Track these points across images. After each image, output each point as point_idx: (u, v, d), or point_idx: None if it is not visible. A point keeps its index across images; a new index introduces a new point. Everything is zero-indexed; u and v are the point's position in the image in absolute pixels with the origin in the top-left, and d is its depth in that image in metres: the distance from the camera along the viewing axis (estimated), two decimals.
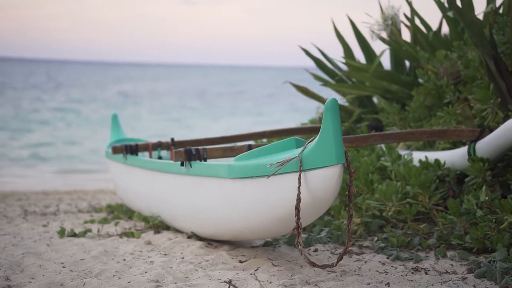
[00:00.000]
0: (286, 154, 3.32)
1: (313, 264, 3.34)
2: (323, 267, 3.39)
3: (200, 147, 4.15)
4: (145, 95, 43.11)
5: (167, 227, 4.92)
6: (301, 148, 3.21)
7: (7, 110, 28.54)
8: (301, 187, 3.17)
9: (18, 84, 49.25)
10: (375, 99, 6.49)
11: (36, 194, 8.60)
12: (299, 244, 3.24)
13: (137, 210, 5.42)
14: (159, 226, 4.94)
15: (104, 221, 5.34)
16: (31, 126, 23.04)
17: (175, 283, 3.38)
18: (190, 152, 4.09)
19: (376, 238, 4.28)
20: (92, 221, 5.42)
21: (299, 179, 3.16)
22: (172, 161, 4.27)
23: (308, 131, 5.86)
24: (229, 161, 3.76)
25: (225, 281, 3.32)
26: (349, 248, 3.35)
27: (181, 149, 4.13)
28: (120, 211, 5.92)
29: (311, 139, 3.22)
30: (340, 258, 3.42)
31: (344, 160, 3.07)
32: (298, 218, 3.19)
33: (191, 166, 4.08)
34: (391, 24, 5.95)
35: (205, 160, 4.13)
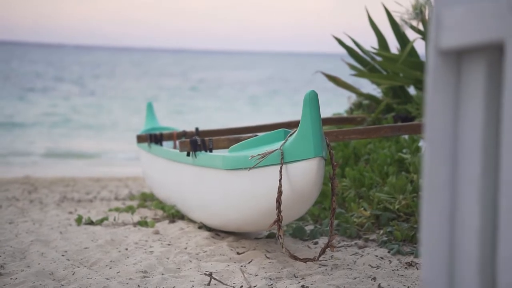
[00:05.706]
0: (273, 146, 3.29)
1: (294, 257, 3.30)
2: (304, 260, 3.35)
3: (206, 138, 4.13)
4: (220, 83, 43.13)
5: (183, 217, 4.93)
6: (283, 141, 3.17)
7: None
8: (282, 180, 3.13)
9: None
10: (412, 90, 6.35)
11: (85, 180, 8.71)
12: (279, 237, 3.21)
13: (161, 199, 5.46)
14: (175, 215, 4.95)
15: (129, 209, 5.37)
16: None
17: (162, 274, 3.39)
18: (195, 143, 4.09)
19: (381, 232, 4.20)
20: (117, 209, 5.45)
21: (280, 171, 3.12)
22: None
23: (336, 122, 5.78)
24: (226, 152, 3.76)
25: (205, 273, 3.31)
26: (332, 242, 3.31)
27: (187, 139, 4.13)
28: (150, 199, 5.97)
29: (293, 131, 3.18)
30: (322, 251, 3.37)
31: (323, 153, 3.02)
32: (279, 211, 3.15)
33: (196, 157, 4.08)
34: (421, 12, 5.80)
35: (210, 151, 4.12)
